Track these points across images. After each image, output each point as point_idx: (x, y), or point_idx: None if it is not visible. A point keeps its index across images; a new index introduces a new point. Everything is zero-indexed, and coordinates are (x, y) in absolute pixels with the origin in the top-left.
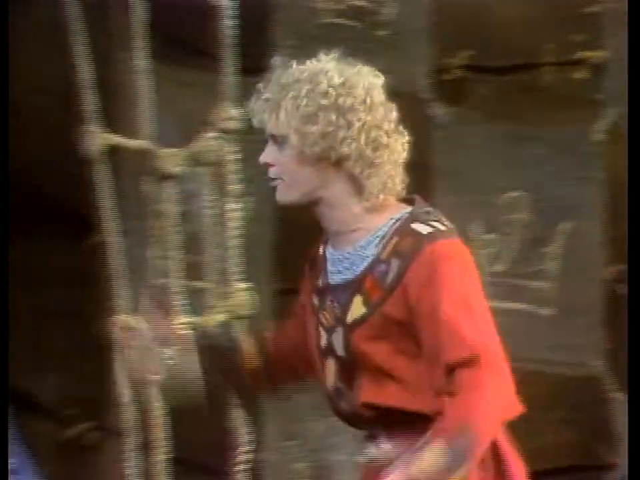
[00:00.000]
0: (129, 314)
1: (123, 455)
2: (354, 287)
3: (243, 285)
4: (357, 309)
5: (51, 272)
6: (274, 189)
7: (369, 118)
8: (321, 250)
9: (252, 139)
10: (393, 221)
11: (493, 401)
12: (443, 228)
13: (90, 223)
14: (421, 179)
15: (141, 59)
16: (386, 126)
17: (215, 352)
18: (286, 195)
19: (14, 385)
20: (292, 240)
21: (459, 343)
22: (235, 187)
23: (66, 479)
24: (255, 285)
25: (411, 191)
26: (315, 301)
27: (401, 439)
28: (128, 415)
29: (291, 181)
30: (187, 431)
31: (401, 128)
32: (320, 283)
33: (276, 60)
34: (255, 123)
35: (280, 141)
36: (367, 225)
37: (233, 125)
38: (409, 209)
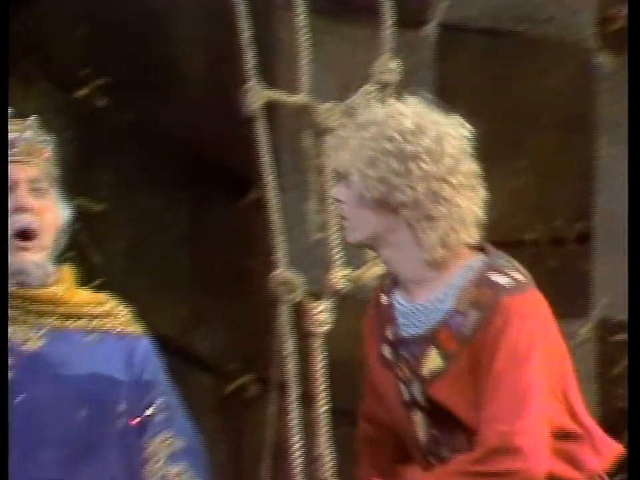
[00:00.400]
0: (289, 268)
1: (285, 407)
2: (428, 338)
3: None
4: (433, 361)
5: (212, 230)
6: None
7: (432, 168)
8: (384, 299)
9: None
10: (467, 270)
11: None
12: (521, 278)
13: (249, 180)
14: (584, 130)
15: (300, 16)
16: (453, 179)
17: None
18: (350, 235)
19: (178, 340)
20: None
21: (493, 421)
22: None
23: (228, 432)
24: None
25: (572, 143)
26: (387, 352)
27: None
28: (290, 368)
29: (354, 222)
30: (346, 382)
31: (476, 184)
32: (390, 334)
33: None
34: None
35: (344, 179)
36: (440, 276)
37: (391, 77)
38: (482, 256)
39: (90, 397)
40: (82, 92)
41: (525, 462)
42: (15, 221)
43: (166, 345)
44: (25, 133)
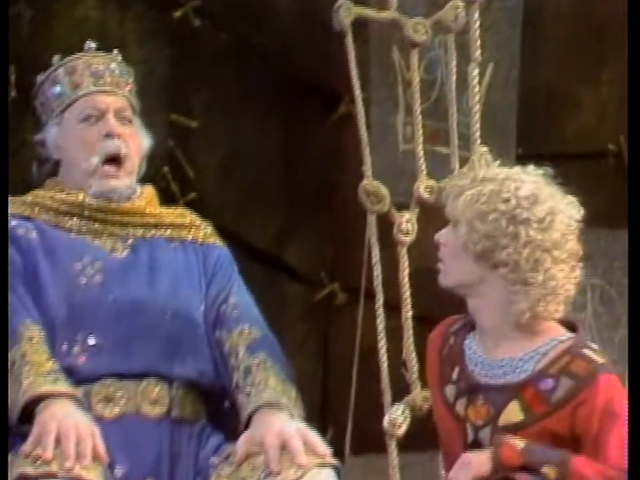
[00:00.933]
0: (376, 179)
1: (371, 313)
2: (512, 392)
3: (484, 149)
4: (513, 414)
5: (303, 144)
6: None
7: (539, 237)
8: (453, 340)
9: (498, 6)
10: (557, 342)
11: None
12: (607, 362)
13: (339, 94)
14: None
15: None
16: (556, 253)
17: None
18: (444, 278)
19: (269, 251)
20: (534, 104)
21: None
22: (477, 53)
23: (317, 338)
24: (496, 150)
25: None
26: (449, 393)
27: None
28: (377, 276)
29: (449, 267)
30: (429, 290)
31: (575, 264)
32: (456, 376)
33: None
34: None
35: (454, 225)
36: (524, 340)
37: None
38: (571, 334)
39: (175, 298)
40: (178, 13)
41: None
42: (105, 147)
43: (257, 255)
44: (111, 65)
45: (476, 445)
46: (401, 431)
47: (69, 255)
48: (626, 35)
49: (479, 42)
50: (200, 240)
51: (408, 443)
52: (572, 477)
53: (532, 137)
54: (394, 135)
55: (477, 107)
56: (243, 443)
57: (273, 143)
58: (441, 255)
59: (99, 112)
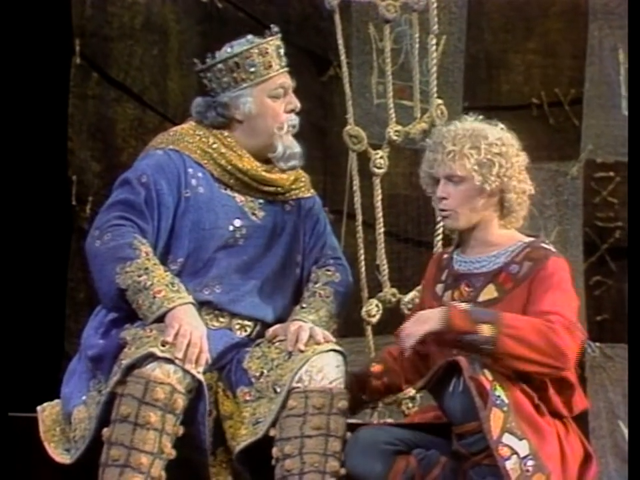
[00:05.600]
0: (357, 125)
1: (352, 230)
2: (488, 277)
3: (439, 102)
4: (490, 293)
5: (300, 98)
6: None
7: (516, 160)
8: (445, 256)
9: None
10: (521, 242)
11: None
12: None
13: (329, 60)
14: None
15: None
16: (525, 167)
17: None
18: (456, 223)
19: None
20: (476, 68)
21: (554, 306)
22: (435, 27)
23: None
24: (448, 102)
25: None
26: (439, 289)
27: None
28: (357, 200)
29: (462, 212)
30: (398, 211)
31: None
32: (444, 276)
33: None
34: (430, 167)
35: (456, 180)
36: (500, 244)
37: None
38: (532, 238)
39: (286, 259)
40: None
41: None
42: (290, 119)
43: None
44: (281, 48)
45: None
46: (375, 319)
47: (226, 215)
48: (546, 12)
49: (436, 19)
50: (302, 195)
51: (380, 329)
52: (504, 328)
53: (475, 93)
54: (370, 92)
55: (434, 69)
56: (273, 329)
57: None
58: (443, 206)
59: (283, 90)
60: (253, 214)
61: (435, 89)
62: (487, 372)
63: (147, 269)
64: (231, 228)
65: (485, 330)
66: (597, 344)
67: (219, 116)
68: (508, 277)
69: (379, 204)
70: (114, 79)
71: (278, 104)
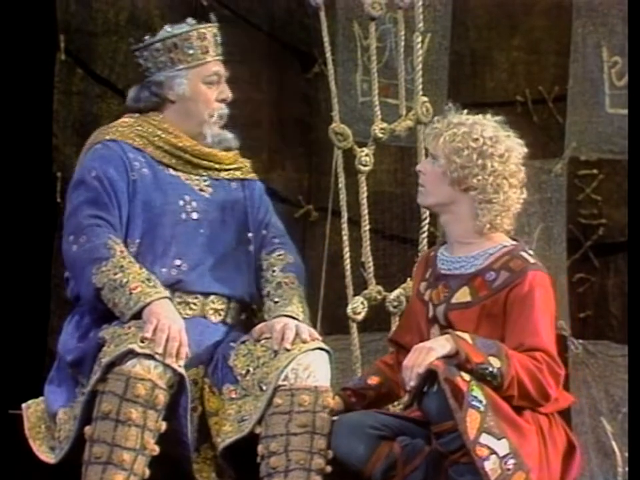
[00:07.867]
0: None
1: (338, 227)
2: (464, 280)
3: (424, 99)
4: (463, 295)
5: (285, 95)
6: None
7: (500, 168)
8: (432, 254)
9: None
10: (502, 246)
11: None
12: (539, 263)
13: (314, 57)
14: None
15: None
16: (513, 180)
17: None
18: (424, 199)
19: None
20: (461, 65)
21: (537, 337)
22: (420, 25)
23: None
24: (432, 100)
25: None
26: (422, 288)
27: None
28: (342, 197)
29: (430, 190)
30: (383, 208)
31: (524, 189)
32: (428, 274)
33: (450, 107)
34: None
35: (434, 158)
36: (479, 244)
37: None
38: (514, 242)
39: (238, 233)
40: None
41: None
42: (220, 109)
43: None
44: (219, 37)
45: (434, 319)
46: (360, 317)
47: (175, 192)
48: (530, 10)
49: (421, 17)
50: (244, 176)
51: (366, 326)
52: (510, 361)
53: (459, 90)
54: (354, 89)
55: (419, 67)
56: (258, 327)
57: (264, 94)
58: (421, 181)
59: (217, 77)
60: (201, 190)
61: (419, 87)
62: (463, 374)
63: (122, 266)
64: (181, 202)
65: (497, 363)
66: (580, 341)
67: (153, 95)
68: (483, 283)
69: (364, 201)
70: (99, 75)
71: (211, 91)
